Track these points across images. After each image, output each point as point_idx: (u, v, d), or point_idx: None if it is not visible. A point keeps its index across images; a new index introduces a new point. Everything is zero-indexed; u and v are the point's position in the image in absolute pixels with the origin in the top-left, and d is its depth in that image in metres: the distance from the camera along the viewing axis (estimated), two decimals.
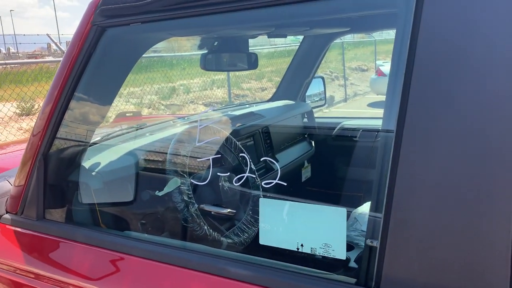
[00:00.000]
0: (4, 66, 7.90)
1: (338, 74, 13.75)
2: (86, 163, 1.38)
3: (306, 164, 2.52)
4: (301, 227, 0.88)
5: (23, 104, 8.41)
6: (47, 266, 1.20)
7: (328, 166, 2.54)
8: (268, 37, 1.83)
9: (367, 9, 1.03)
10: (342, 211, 0.84)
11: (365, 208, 1.64)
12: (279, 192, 2.36)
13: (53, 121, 1.22)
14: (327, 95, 3.01)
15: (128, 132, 1.78)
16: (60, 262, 1.19)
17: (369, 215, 0.87)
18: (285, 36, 1.95)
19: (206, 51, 1.83)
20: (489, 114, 0.67)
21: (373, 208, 0.82)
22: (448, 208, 0.70)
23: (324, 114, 2.89)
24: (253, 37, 1.87)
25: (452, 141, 0.69)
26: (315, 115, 2.76)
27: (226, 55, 1.82)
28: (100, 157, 1.44)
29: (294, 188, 2.48)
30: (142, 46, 1.27)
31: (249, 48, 1.90)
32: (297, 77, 2.62)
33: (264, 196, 1.27)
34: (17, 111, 8.60)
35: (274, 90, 2.73)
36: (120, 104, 8.68)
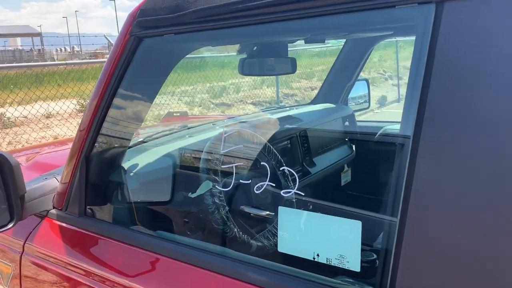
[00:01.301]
0: (65, 65, 8.41)
1: (392, 74, 13.38)
2: (125, 164, 1.46)
3: (346, 168, 2.49)
4: (317, 237, 0.90)
5: (82, 101, 8.90)
6: (86, 259, 1.29)
7: (368, 171, 2.50)
8: (305, 43, 1.84)
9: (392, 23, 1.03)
10: (357, 223, 0.85)
11: None
12: (316, 196, 2.35)
13: (94, 125, 1.30)
14: (380, 95, 2.96)
15: (168, 134, 1.86)
16: (97, 256, 1.28)
17: (385, 222, 0.87)
18: (323, 41, 1.95)
19: (244, 56, 1.86)
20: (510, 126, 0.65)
21: (389, 216, 0.81)
22: (466, 224, 0.68)
23: (375, 114, 2.84)
24: (291, 42, 1.88)
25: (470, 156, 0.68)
26: (360, 118, 2.73)
27: (264, 60, 1.84)
28: (138, 159, 1.52)
29: (333, 192, 2.47)
30: (176, 55, 1.32)
31: (300, 47, 1.89)
32: (339, 80, 2.60)
33: (299, 200, 1.29)
34: (77, 107, 9.12)
35: None
36: (172, 102, 8.96)
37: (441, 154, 0.70)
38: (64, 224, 1.40)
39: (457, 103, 0.69)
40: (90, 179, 1.35)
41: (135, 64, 1.25)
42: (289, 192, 1.10)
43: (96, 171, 1.37)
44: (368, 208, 2.25)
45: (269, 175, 1.19)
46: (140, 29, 1.17)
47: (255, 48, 1.85)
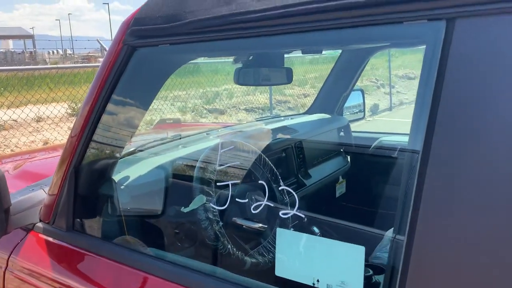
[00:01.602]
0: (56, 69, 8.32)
1: (384, 82, 13.45)
2: (116, 176, 1.41)
3: (341, 179, 2.47)
4: (318, 262, 0.86)
5: (73, 105, 8.81)
6: (73, 276, 1.23)
7: (363, 182, 2.47)
8: (302, 53, 1.81)
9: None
10: (360, 249, 0.81)
11: None
12: (311, 207, 2.32)
13: (84, 135, 1.25)
14: (372, 103, 2.95)
15: (160, 144, 1.81)
16: (85, 273, 1.23)
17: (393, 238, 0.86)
18: (320, 52, 1.92)
19: (240, 65, 1.83)
20: None
21: (396, 231, 0.79)
22: (479, 242, 0.66)
23: (367, 122, 2.82)
24: (287, 53, 1.85)
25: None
26: (353, 125, 2.70)
27: (260, 70, 1.81)
28: (130, 171, 1.47)
29: (328, 203, 2.44)
30: (171, 66, 1.28)
31: (293, 54, 1.87)
32: (335, 90, 2.58)
33: (295, 216, 1.25)
34: (69, 111, 9.02)
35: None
36: (165, 108, 8.91)
37: (452, 170, 0.68)
38: (50, 239, 1.34)
39: (469, 121, 0.67)
40: (79, 192, 1.30)
41: (129, 73, 1.20)
42: (288, 213, 1.06)
43: (86, 183, 1.32)
44: (364, 220, 2.22)
45: (267, 194, 1.15)
46: (134, 38, 1.12)
47: (250, 57, 1.82)
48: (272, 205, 1.17)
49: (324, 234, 1.45)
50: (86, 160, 1.30)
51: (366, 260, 1.46)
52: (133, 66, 1.19)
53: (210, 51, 1.22)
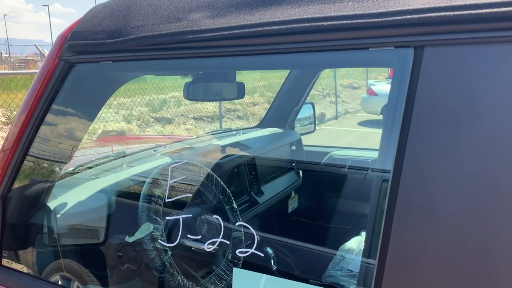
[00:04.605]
0: None
1: (329, 91, 13.77)
2: (52, 203, 1.27)
3: (293, 194, 2.43)
4: None
5: (8, 113, 8.25)
6: None
7: (315, 197, 2.46)
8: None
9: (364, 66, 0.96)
10: None
11: (353, 244, 1.55)
12: (264, 224, 2.25)
13: (14, 160, 1.11)
14: (319, 112, 2.96)
15: (103, 163, 1.68)
16: None
17: (362, 260, 0.83)
18: (273, 69, 1.87)
19: (190, 80, 1.74)
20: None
21: (366, 253, 0.77)
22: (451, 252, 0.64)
23: (315, 132, 2.81)
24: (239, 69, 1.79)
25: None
26: (305, 138, 2.69)
27: (211, 85, 1.73)
28: (68, 196, 1.34)
29: (280, 219, 2.39)
30: (114, 84, 1.17)
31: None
32: (286, 104, 2.55)
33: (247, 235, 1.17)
34: (3, 119, 8.43)
35: (265, 105, 2.65)
36: (109, 116, 8.56)
37: (422, 195, 0.66)
38: None
39: (437, 148, 0.65)
40: (7, 224, 1.15)
41: (66, 90, 1.08)
42: (247, 252, 0.98)
43: (17, 213, 1.17)
44: (316, 235, 2.18)
45: (222, 231, 1.07)
46: (71, 54, 1.01)
47: (201, 72, 1.74)
48: (227, 242, 1.09)
49: (277, 254, 1.39)
50: (17, 187, 1.16)
51: (320, 279, 1.41)
52: (71, 83, 1.08)
53: (157, 70, 1.13)
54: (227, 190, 1.38)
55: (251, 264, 1.02)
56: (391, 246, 0.68)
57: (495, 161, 0.61)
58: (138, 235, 1.23)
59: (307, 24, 0.71)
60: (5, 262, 1.18)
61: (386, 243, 0.68)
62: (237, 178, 1.96)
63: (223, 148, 2.01)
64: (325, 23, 0.69)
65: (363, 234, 1.43)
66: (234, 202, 1.36)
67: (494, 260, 0.61)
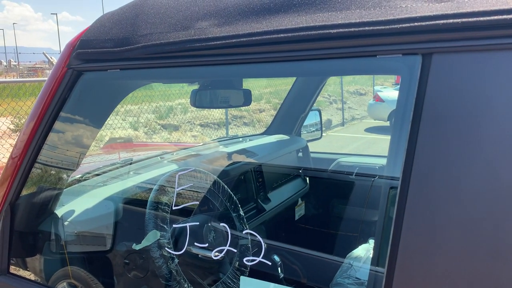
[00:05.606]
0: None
1: (336, 98, 13.75)
2: (60, 211, 1.28)
3: (300, 201, 2.42)
4: None
5: (17, 121, 8.31)
6: None
7: (322, 204, 2.45)
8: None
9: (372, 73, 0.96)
10: None
11: (360, 251, 1.54)
12: (271, 232, 2.24)
13: (22, 168, 1.12)
14: (325, 119, 2.95)
15: (110, 170, 1.68)
16: None
17: (370, 268, 0.83)
18: (280, 76, 1.87)
19: (197, 87, 1.75)
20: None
21: (375, 261, 0.78)
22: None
23: (321, 138, 2.81)
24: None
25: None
26: (311, 144, 2.69)
27: (218, 92, 1.74)
28: (76, 204, 1.34)
29: (287, 226, 2.38)
30: (122, 92, 1.18)
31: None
32: (293, 111, 2.54)
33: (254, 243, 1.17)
34: (11, 126, 8.49)
35: (272, 111, 2.66)
36: (116, 123, 8.61)
37: (431, 203, 0.66)
38: None
39: (446, 155, 0.65)
40: (15, 232, 1.16)
41: (74, 99, 1.09)
42: (254, 260, 0.98)
43: (24, 221, 1.18)
44: (323, 242, 2.16)
45: (229, 239, 1.07)
46: (79, 62, 1.02)
47: (208, 80, 1.74)
48: (235, 250, 1.08)
49: (284, 262, 1.38)
50: (27, 191, 1.16)
51: (327, 287, 1.40)
52: (79, 91, 1.08)
53: (165, 78, 1.13)
54: (234, 197, 1.37)
55: (258, 272, 1.01)
56: (400, 254, 0.67)
57: (505, 167, 0.61)
58: (145, 242, 1.23)
59: (314, 32, 0.71)
60: (12, 269, 1.18)
61: (395, 251, 0.67)
62: (244, 185, 1.96)
63: (230, 155, 2.01)
64: (332, 31, 0.69)
65: (371, 241, 1.41)
66: (241, 209, 1.35)
67: (505, 267, 0.61)
